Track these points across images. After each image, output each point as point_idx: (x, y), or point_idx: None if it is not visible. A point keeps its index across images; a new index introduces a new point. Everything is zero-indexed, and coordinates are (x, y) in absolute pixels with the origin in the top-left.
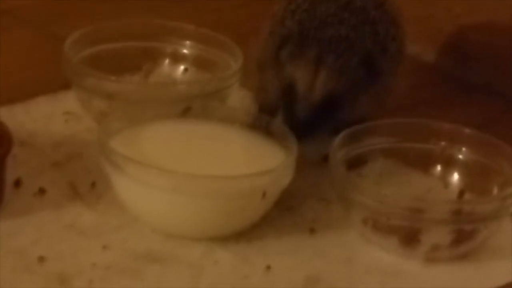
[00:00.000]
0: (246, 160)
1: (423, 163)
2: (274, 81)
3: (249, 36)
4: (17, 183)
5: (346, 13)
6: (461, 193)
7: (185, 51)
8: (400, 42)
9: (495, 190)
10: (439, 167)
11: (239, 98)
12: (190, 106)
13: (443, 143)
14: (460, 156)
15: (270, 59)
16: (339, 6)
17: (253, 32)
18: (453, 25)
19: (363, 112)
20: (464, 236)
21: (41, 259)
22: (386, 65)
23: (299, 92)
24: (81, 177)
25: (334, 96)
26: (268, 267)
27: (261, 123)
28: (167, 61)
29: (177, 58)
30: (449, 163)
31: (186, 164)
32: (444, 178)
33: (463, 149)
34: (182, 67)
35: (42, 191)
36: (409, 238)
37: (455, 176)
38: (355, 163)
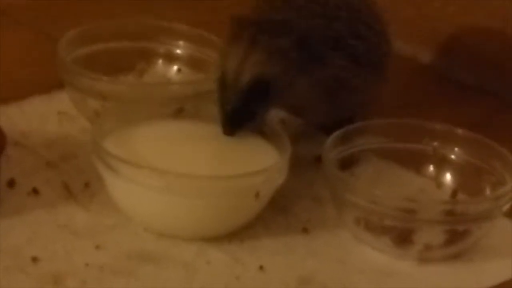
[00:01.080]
0: (239, 160)
1: (416, 163)
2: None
3: None
4: (11, 183)
5: None
6: (453, 193)
7: (178, 51)
8: (375, 36)
9: (488, 190)
10: (431, 167)
11: None
12: (183, 106)
13: (435, 143)
14: (453, 157)
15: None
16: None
17: None
18: (447, 25)
19: (310, 98)
20: (457, 236)
21: (35, 259)
22: (335, 54)
23: (228, 77)
24: (74, 177)
25: (264, 80)
26: (261, 267)
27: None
28: (160, 61)
29: (170, 59)
30: (442, 164)
31: (179, 164)
32: (436, 178)
33: (456, 149)
34: (175, 68)
35: (35, 191)
36: (402, 238)
37: (448, 176)
38: (348, 163)
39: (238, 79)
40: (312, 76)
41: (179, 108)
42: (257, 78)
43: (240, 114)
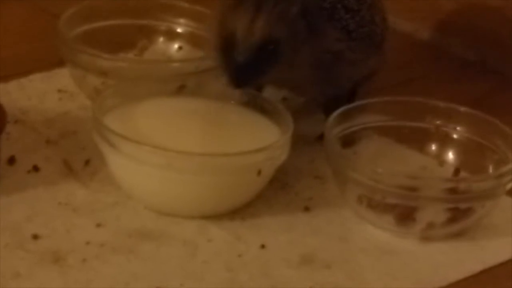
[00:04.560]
0: (241, 138)
1: (418, 141)
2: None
3: None
4: (11, 161)
5: None
6: (456, 172)
7: (179, 29)
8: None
9: (491, 168)
10: (434, 146)
11: None
12: (184, 84)
13: (438, 121)
14: (455, 135)
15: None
16: None
17: None
18: (447, 1)
19: (309, 70)
20: (459, 214)
21: (35, 236)
22: (329, 26)
23: (238, 36)
24: (75, 154)
25: (273, 41)
26: (263, 245)
27: (256, 100)
28: (161, 38)
29: (171, 36)
30: (444, 141)
31: (181, 142)
32: (439, 157)
33: (458, 127)
34: (176, 45)
35: (36, 168)
36: (404, 216)
37: (450, 155)
38: (350, 141)
39: (248, 38)
40: (312, 47)
41: (181, 86)
42: (267, 38)
43: (249, 69)
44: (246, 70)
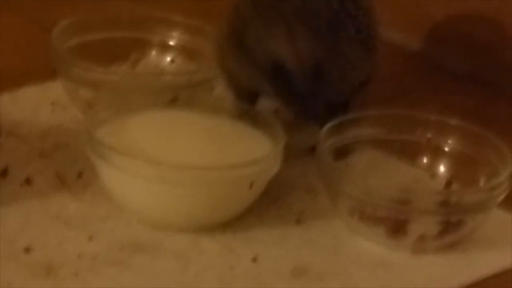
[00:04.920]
0: (233, 150)
1: (410, 154)
2: (242, 66)
3: None
4: (4, 173)
5: None
6: (448, 184)
7: (172, 41)
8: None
9: (482, 181)
10: (425, 158)
11: (226, 88)
12: (176, 97)
13: (429, 134)
14: (447, 147)
15: (232, 44)
16: None
17: None
18: (439, 13)
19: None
20: (451, 227)
21: (27, 249)
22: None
23: (290, 65)
24: (67, 167)
25: (322, 61)
26: (255, 258)
27: (248, 113)
28: (154, 51)
29: (164, 49)
30: (436, 154)
31: (173, 154)
32: (430, 169)
33: (450, 140)
34: (169, 58)
35: (28, 181)
36: (396, 229)
37: (442, 167)
38: (342, 154)
39: (300, 65)
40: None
41: (173, 98)
42: (318, 60)
43: (315, 97)
44: (312, 99)
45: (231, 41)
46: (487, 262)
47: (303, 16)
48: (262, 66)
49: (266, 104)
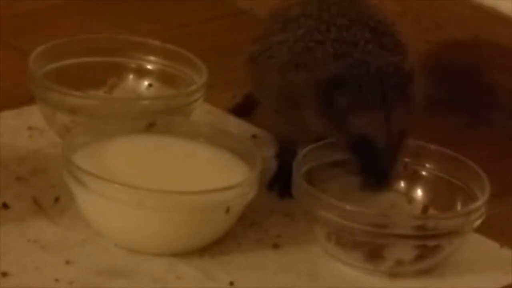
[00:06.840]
0: (210, 175)
1: None
2: (299, 120)
3: (216, 50)
4: None
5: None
6: (425, 209)
7: (149, 66)
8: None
9: (459, 206)
10: (403, 183)
11: (203, 114)
12: (154, 122)
13: (407, 159)
14: (424, 172)
15: (303, 98)
16: (370, 30)
17: (222, 47)
18: (419, 40)
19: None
20: (428, 251)
21: (5, 274)
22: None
23: (379, 146)
24: (45, 192)
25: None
26: (232, 283)
27: (225, 138)
28: (131, 76)
29: (141, 74)
30: (413, 179)
31: (150, 179)
32: (408, 194)
33: (427, 164)
34: (146, 83)
35: (5, 205)
36: (373, 253)
37: (419, 192)
38: (318, 179)
39: (390, 145)
40: None
41: (150, 123)
42: (404, 133)
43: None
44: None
45: (306, 95)
46: (464, 286)
47: (399, 100)
48: (348, 136)
49: (244, 128)
